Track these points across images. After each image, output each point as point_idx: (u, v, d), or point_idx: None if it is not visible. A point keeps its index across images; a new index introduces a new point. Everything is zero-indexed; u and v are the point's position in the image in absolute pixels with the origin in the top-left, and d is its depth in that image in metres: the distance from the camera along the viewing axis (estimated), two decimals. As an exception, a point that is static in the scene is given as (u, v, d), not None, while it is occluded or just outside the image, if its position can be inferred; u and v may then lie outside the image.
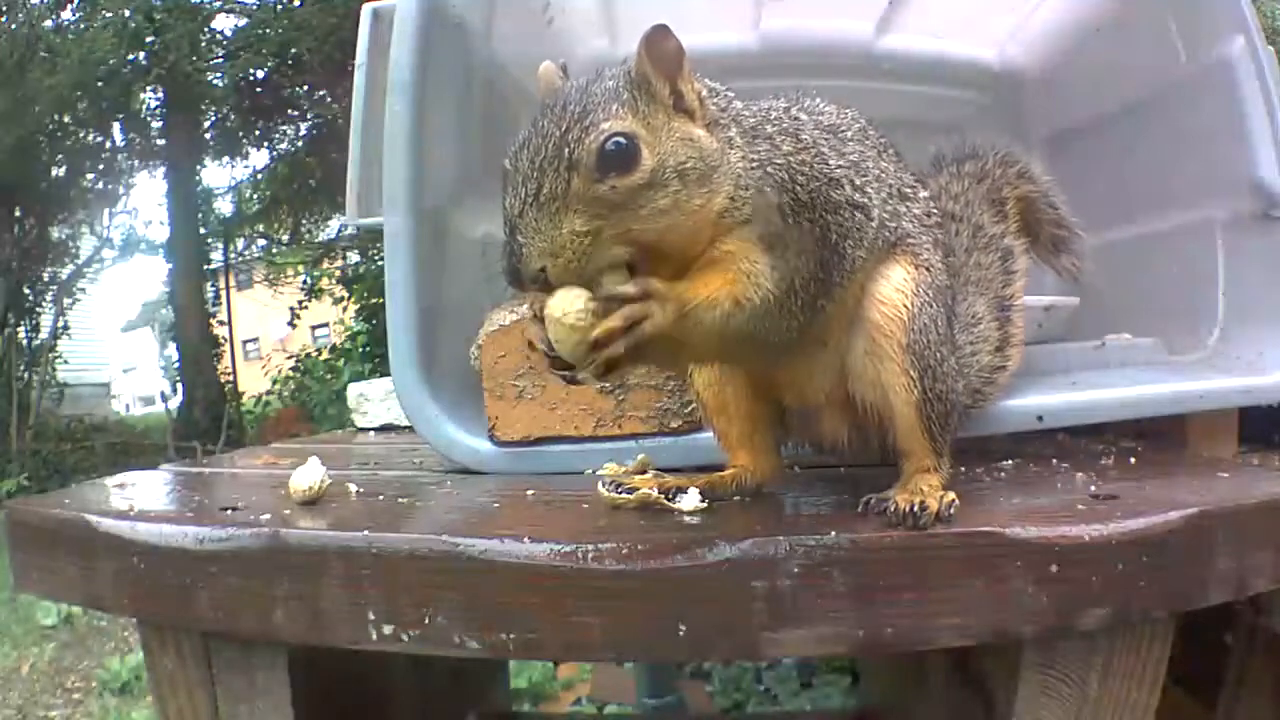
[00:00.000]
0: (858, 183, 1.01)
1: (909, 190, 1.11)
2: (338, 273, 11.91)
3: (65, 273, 11.71)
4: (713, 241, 0.92)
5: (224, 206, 12.73)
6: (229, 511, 1.04)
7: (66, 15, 9.71)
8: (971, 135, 1.44)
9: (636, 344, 0.85)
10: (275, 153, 11.66)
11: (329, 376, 10.00)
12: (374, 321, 9.44)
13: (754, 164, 0.93)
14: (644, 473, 1.11)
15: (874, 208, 1.02)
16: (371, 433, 2.08)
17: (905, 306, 1.02)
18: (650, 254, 0.89)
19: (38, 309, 11.14)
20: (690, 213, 0.89)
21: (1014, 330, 1.36)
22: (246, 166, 12.08)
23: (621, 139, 0.86)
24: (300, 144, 11.37)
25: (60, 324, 11.19)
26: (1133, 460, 1.26)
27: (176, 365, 12.04)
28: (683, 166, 0.88)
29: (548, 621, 0.87)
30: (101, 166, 11.32)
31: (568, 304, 0.85)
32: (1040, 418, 1.33)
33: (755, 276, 0.91)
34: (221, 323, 12.03)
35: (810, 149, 0.97)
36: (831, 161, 0.99)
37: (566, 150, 0.85)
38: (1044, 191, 1.40)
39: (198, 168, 11.52)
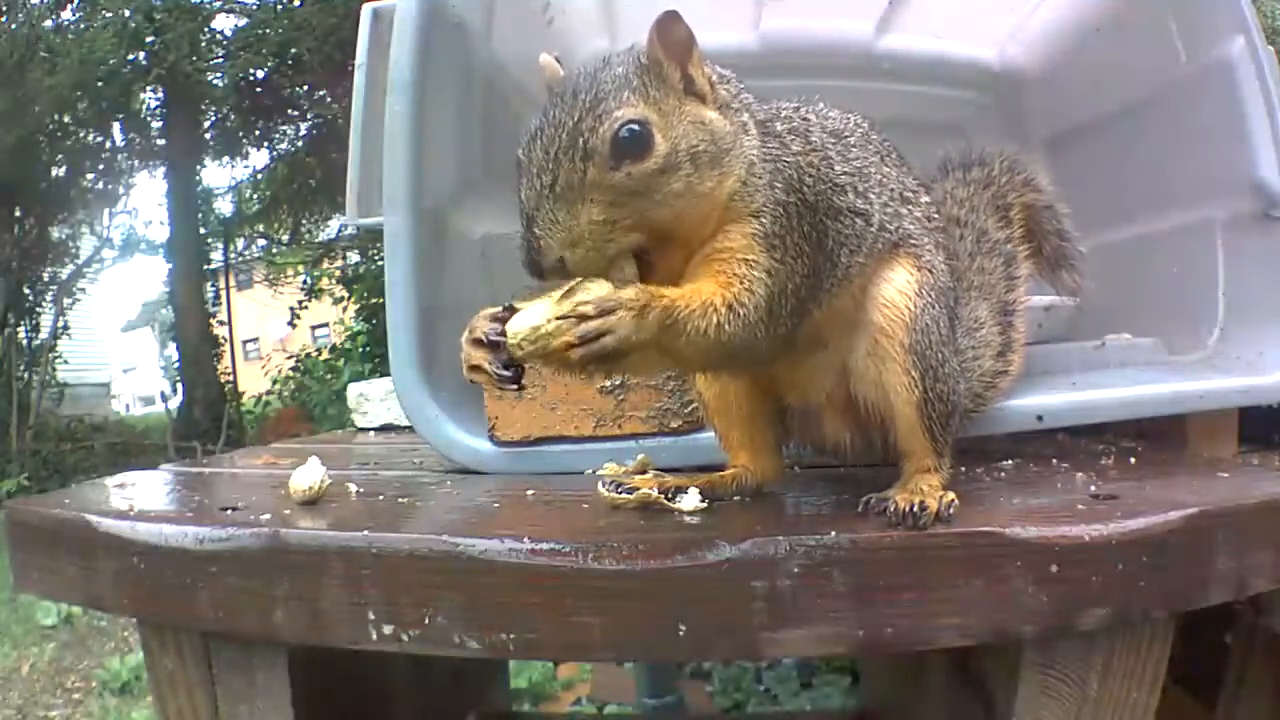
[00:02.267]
0: (860, 189, 1.01)
1: (910, 194, 1.11)
2: (338, 273, 11.90)
3: (65, 273, 11.70)
4: (719, 228, 0.91)
5: (224, 206, 12.75)
6: (229, 511, 1.04)
7: (66, 15, 9.72)
8: (972, 136, 1.44)
9: (592, 356, 0.84)
10: (275, 153, 11.67)
11: (329, 376, 9.99)
12: (374, 321, 9.43)
13: (766, 157, 0.93)
14: (644, 473, 1.10)
15: (874, 214, 1.02)
16: (371, 433, 2.08)
17: (907, 308, 1.02)
18: (661, 239, 0.90)
19: (38, 309, 11.13)
20: (702, 195, 0.89)
21: (1016, 335, 1.36)
22: (246, 166, 12.11)
23: (635, 126, 0.86)
24: (300, 144, 11.37)
25: (60, 324, 11.19)
26: (1133, 460, 1.26)
27: (176, 365, 12.04)
28: (695, 150, 0.88)
29: (548, 621, 0.87)
30: (101, 166, 11.32)
31: (535, 317, 0.84)
32: (1040, 418, 1.33)
33: (750, 281, 0.90)
34: (221, 323, 12.03)
35: (818, 151, 0.98)
36: (837, 167, 0.99)
37: (580, 139, 0.85)
38: (1049, 201, 1.40)
39: (198, 168, 11.52)
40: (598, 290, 0.85)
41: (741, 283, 0.90)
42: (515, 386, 0.88)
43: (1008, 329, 1.35)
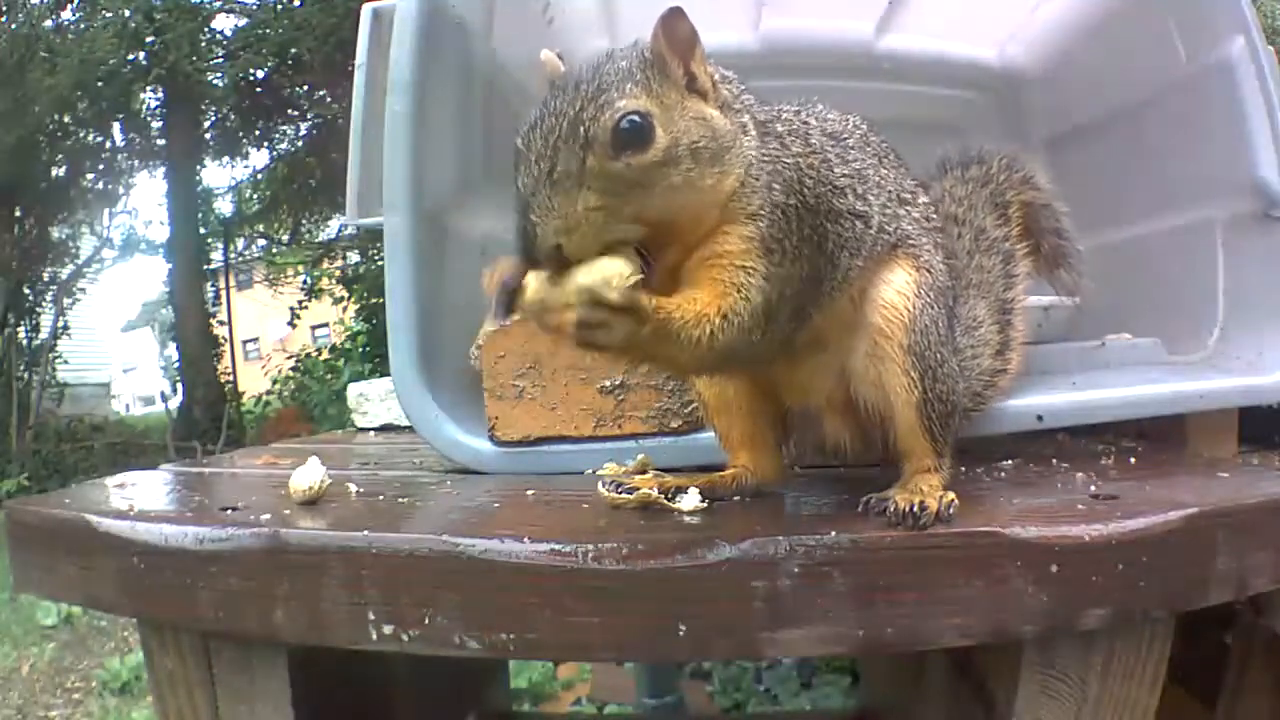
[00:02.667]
0: (859, 191, 1.01)
1: (909, 195, 1.11)
2: (338, 273, 11.91)
3: (65, 273, 11.72)
4: (717, 229, 0.91)
5: (224, 206, 12.77)
6: (229, 511, 1.04)
7: (66, 15, 9.73)
8: (972, 135, 1.44)
9: (583, 343, 0.86)
10: (275, 153, 11.68)
11: (329, 376, 9.99)
12: (374, 321, 9.44)
13: (765, 159, 0.93)
14: (644, 473, 1.10)
15: (874, 216, 1.02)
16: (371, 433, 2.08)
17: (906, 309, 1.03)
18: (658, 236, 0.89)
19: (38, 309, 11.14)
20: (701, 191, 0.89)
21: (1015, 333, 1.36)
22: (246, 166, 12.13)
23: (636, 117, 0.86)
24: (300, 144, 11.38)
25: (60, 324, 11.19)
26: (1133, 460, 1.26)
27: (176, 365, 12.05)
28: (695, 145, 0.88)
29: (548, 621, 0.87)
30: (101, 166, 11.33)
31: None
32: (1040, 418, 1.33)
33: (746, 289, 0.90)
34: (221, 323, 12.03)
35: (818, 154, 0.98)
36: (837, 169, 0.99)
37: (581, 128, 0.85)
38: (1047, 199, 1.40)
39: (198, 168, 11.53)
40: (610, 268, 0.84)
41: (738, 291, 0.90)
42: (504, 320, 0.90)
43: (1006, 327, 1.35)
